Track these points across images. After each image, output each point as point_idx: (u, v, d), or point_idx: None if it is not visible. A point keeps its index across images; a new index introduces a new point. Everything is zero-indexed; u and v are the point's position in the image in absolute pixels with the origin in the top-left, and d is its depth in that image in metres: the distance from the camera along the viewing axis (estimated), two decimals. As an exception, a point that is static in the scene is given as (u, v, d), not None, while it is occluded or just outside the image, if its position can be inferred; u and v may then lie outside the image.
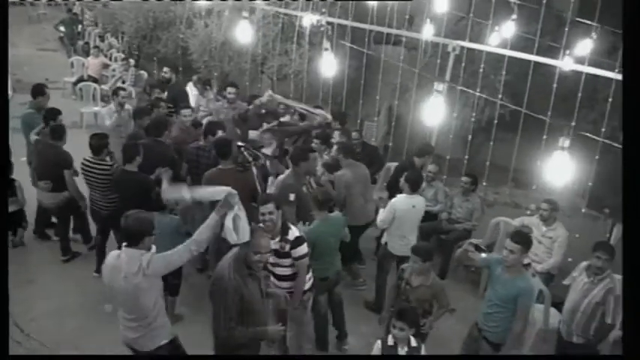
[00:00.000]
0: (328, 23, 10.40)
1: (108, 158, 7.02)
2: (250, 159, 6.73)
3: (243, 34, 9.24)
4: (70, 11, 19.69)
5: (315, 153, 7.32)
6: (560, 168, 5.47)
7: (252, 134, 8.40)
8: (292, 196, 6.33)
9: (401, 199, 6.74)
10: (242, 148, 6.80)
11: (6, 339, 3.72)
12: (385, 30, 9.83)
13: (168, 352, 4.60)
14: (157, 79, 11.44)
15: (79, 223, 7.78)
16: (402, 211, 6.68)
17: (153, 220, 4.48)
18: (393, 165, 8.97)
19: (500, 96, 8.93)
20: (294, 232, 5.18)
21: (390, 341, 4.65)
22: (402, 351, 4.61)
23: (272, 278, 5.43)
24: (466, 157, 8.91)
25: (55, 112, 7.64)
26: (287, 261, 5.26)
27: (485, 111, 10.51)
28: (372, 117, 11.72)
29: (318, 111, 8.96)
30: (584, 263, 5.61)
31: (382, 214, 6.78)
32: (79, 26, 19.57)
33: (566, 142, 5.35)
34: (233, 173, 6.39)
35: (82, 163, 6.89)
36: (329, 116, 8.74)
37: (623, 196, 3.41)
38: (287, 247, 5.18)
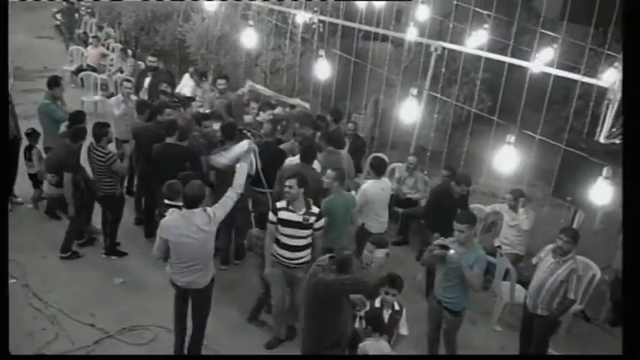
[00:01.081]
0: (320, 21, 11.07)
1: (108, 145, 7.59)
2: (253, 139, 7.45)
3: (249, 39, 10.30)
4: (68, 0, 19.97)
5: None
6: (506, 160, 6.64)
7: (247, 118, 9.08)
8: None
9: (370, 184, 7.48)
10: (244, 130, 7.68)
11: (6, 339, 3.99)
12: (373, 29, 10.51)
13: (212, 285, 5.72)
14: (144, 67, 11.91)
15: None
16: (373, 195, 7.38)
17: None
18: (397, 165, 9.78)
19: (477, 92, 9.64)
20: (315, 208, 6.06)
21: (377, 304, 5.40)
22: (387, 313, 5.36)
23: (281, 251, 6.10)
24: (445, 149, 9.62)
25: (81, 116, 8.23)
26: (307, 232, 6.04)
27: (464, 108, 11.21)
28: (360, 110, 12.39)
29: (295, 101, 9.75)
30: (551, 245, 6.25)
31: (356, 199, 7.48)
32: (76, 15, 19.85)
33: (512, 138, 6.45)
34: None
35: (87, 148, 7.54)
36: (306, 105, 9.65)
37: (623, 196, 3.55)
38: (312, 219, 6.01)
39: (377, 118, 11.84)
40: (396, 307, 5.43)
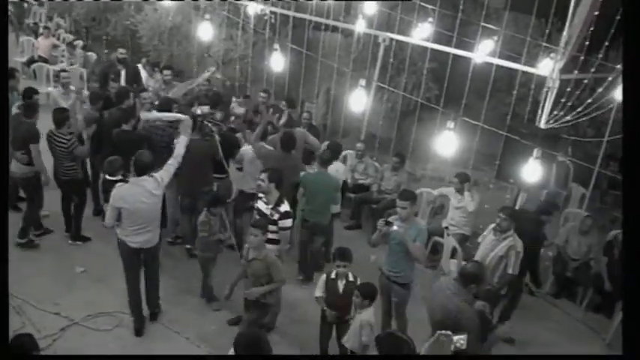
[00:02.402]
0: (272, 12, 11.31)
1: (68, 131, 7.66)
2: (214, 129, 7.78)
3: (205, 33, 10.48)
4: (17, -11, 19.55)
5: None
6: (447, 144, 7.02)
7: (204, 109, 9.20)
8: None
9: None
10: (204, 122, 7.81)
11: (6, 339, 4.05)
12: (323, 21, 10.80)
13: (159, 244, 6.44)
14: (108, 59, 11.90)
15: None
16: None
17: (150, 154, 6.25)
18: (348, 152, 10.04)
19: (423, 81, 10.05)
20: (285, 207, 6.28)
21: (333, 275, 5.84)
22: (341, 284, 5.81)
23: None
24: (393, 136, 10.02)
25: (31, 92, 8.37)
26: (274, 228, 6.28)
27: (412, 95, 11.62)
28: (312, 99, 12.66)
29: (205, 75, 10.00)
30: (492, 225, 6.72)
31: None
32: (25, 5, 19.47)
33: (452, 125, 6.80)
34: (200, 142, 7.50)
35: (47, 134, 7.60)
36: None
37: (624, 196, 3.57)
38: (276, 216, 6.29)
39: (329, 106, 12.14)
40: (350, 278, 5.83)
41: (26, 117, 7.62)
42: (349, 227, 9.43)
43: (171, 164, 6.28)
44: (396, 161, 9.24)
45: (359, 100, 8.16)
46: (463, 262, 7.46)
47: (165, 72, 10.34)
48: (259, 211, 6.42)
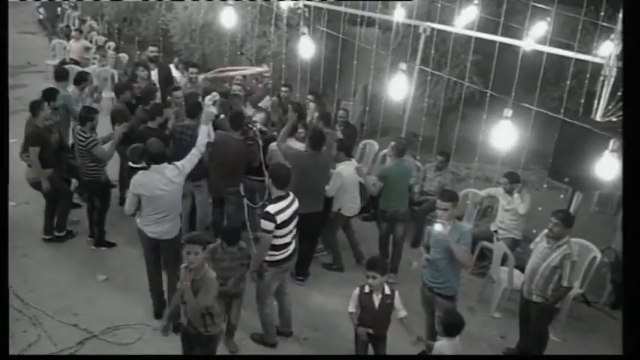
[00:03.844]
0: (305, 6, 10.81)
1: (93, 132, 7.42)
2: (258, 134, 7.41)
3: (227, 19, 9.89)
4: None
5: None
6: (503, 136, 6.40)
7: (259, 116, 8.77)
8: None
9: (344, 168, 7.51)
10: (249, 125, 7.51)
11: (6, 339, 4.05)
12: (359, 12, 10.25)
13: (180, 237, 6.01)
14: (141, 58, 11.53)
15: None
16: (347, 178, 7.46)
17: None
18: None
19: (467, 75, 9.40)
20: (273, 207, 5.54)
21: (367, 289, 5.19)
22: (377, 298, 5.15)
23: None
24: (435, 134, 9.41)
25: (53, 92, 8.25)
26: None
27: (455, 90, 10.99)
28: (349, 97, 12.15)
29: (255, 69, 9.85)
30: (545, 231, 6.01)
31: (331, 184, 7.38)
32: (59, 9, 19.54)
33: (509, 112, 6.24)
34: (240, 143, 7.26)
35: (73, 130, 7.60)
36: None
37: (624, 195, 3.50)
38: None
39: (366, 104, 11.61)
40: (387, 291, 5.21)
41: (32, 116, 7.51)
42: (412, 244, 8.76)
43: (194, 154, 6.23)
44: (440, 160, 8.62)
45: (399, 87, 7.64)
46: (516, 271, 6.86)
47: (191, 70, 9.97)
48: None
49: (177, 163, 6.01)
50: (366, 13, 10.00)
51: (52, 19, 18.31)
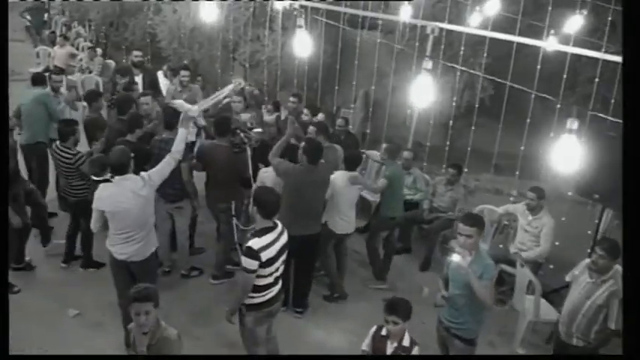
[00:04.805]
0: (301, 6, 10.02)
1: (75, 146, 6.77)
2: (246, 141, 6.66)
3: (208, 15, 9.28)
4: (35, -2, 18.93)
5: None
6: (568, 152, 5.15)
7: (245, 117, 8.02)
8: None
9: (339, 176, 6.57)
10: (237, 130, 6.77)
11: (6, 339, 3.62)
12: (361, 13, 9.49)
13: (155, 259, 5.61)
14: (125, 65, 10.74)
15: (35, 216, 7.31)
16: (340, 188, 6.53)
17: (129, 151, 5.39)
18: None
19: (481, 79, 8.62)
20: (256, 243, 4.49)
21: (384, 332, 4.35)
22: (391, 346, 4.28)
23: None
24: (447, 143, 8.64)
25: None
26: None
27: (464, 96, 10.20)
28: (349, 104, 11.38)
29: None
30: (587, 261, 5.12)
31: None
32: (46, 15, 18.87)
33: (575, 124, 5.05)
34: (228, 150, 6.54)
35: (52, 149, 6.82)
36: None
37: (624, 195, 3.33)
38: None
39: (368, 112, 10.83)
40: (405, 343, 4.28)
41: None
42: (397, 251, 7.92)
43: (167, 162, 5.48)
44: (452, 173, 7.83)
45: (426, 89, 6.81)
46: (542, 301, 6.04)
47: (183, 73, 9.11)
48: None
49: (144, 173, 5.31)
50: (369, 14, 9.22)
51: (38, 26, 17.55)
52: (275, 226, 4.68)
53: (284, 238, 4.75)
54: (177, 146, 5.60)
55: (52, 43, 15.67)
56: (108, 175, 5.53)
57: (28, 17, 17.58)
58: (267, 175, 6.54)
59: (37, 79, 8.43)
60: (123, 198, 5.12)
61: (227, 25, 11.01)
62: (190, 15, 11.39)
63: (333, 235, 6.70)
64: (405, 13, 8.95)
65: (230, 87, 8.07)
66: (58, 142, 6.72)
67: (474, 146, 8.68)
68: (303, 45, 7.95)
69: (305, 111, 8.54)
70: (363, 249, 7.50)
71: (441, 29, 8.09)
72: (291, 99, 8.75)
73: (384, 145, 7.40)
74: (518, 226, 7.13)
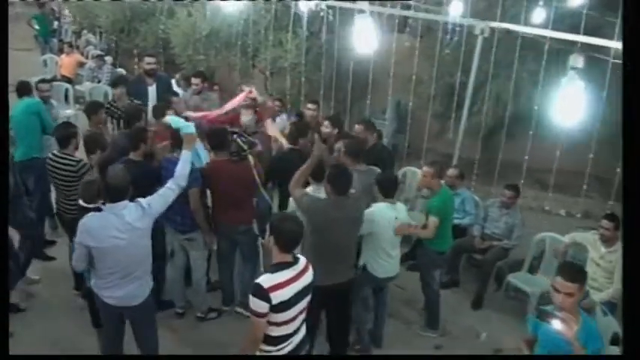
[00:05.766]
0: (329, 7, 9.04)
1: (76, 152, 5.91)
2: (245, 147, 5.76)
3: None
4: (43, 6, 18.09)
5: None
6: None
7: (245, 119, 7.05)
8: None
9: (380, 209, 5.30)
10: (235, 135, 5.88)
11: (6, 339, 3.56)
12: (397, 12, 8.49)
13: (152, 301, 4.70)
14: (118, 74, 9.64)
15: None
16: (383, 223, 5.29)
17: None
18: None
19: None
20: (262, 279, 3.65)
21: None
22: None
23: None
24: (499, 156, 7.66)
25: None
26: None
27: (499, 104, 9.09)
28: (378, 114, 10.33)
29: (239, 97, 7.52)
30: None
31: None
32: (55, 23, 18.11)
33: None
34: (227, 164, 5.65)
35: (47, 158, 5.94)
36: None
37: (624, 196, 3.25)
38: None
39: (401, 123, 9.79)
40: None
41: None
42: (443, 285, 6.84)
43: (170, 188, 4.63)
44: (509, 195, 6.78)
45: (575, 98, 5.22)
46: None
47: (194, 80, 8.24)
48: None
49: (142, 200, 4.39)
50: (407, 13, 8.16)
51: (46, 34, 16.76)
52: (294, 262, 3.75)
53: (306, 279, 3.79)
54: (181, 170, 4.75)
55: (61, 52, 14.94)
56: (99, 203, 4.71)
57: (36, 26, 16.72)
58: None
59: (23, 89, 7.51)
60: (114, 230, 4.21)
61: (246, 29, 10.01)
62: (206, 18, 10.40)
63: (372, 280, 5.50)
64: (455, 8, 7.86)
65: (239, 98, 7.15)
66: (54, 151, 5.88)
67: (510, 158, 7.88)
68: (366, 36, 6.78)
69: (325, 123, 7.33)
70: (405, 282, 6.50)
71: (492, 29, 7.06)
72: (310, 106, 7.69)
73: (425, 168, 6.13)
74: (588, 260, 6.04)
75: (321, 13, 9.33)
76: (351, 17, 9.01)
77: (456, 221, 6.97)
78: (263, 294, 3.52)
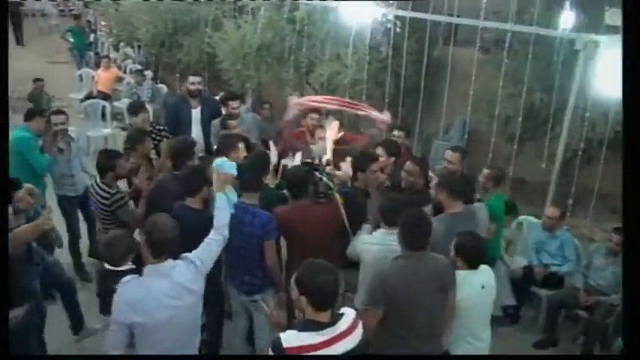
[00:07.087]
0: (396, 17, 8.16)
1: (116, 183, 5.51)
2: (331, 185, 4.98)
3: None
4: (79, 18, 17.54)
5: None
6: None
7: (317, 149, 6.34)
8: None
9: (465, 279, 4.11)
10: (316, 172, 5.17)
11: (6, 339, 3.35)
12: (466, 22, 7.67)
13: None
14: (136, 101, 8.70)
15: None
16: (469, 299, 4.12)
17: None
18: (524, 219, 7.02)
19: None
20: (286, 335, 3.04)
21: None
22: None
23: None
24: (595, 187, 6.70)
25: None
26: None
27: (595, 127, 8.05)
28: (438, 134, 9.42)
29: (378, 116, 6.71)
30: None
31: None
32: (92, 35, 17.58)
33: None
34: (312, 207, 4.75)
35: (90, 185, 5.69)
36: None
37: (623, 196, 3.20)
38: None
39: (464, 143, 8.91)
40: None
41: None
42: (539, 344, 5.92)
43: (213, 239, 3.92)
44: (617, 240, 5.74)
45: None
46: None
47: (232, 104, 7.16)
48: None
49: (190, 255, 3.66)
50: (503, 26, 7.12)
51: (81, 46, 16.18)
52: (331, 324, 3.07)
53: (342, 347, 3.05)
54: (222, 219, 4.07)
55: (97, 66, 14.29)
56: (130, 264, 4.08)
57: (71, 39, 16.13)
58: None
59: (28, 115, 6.63)
60: (166, 299, 3.42)
61: (300, 43, 9.14)
62: (257, 31, 9.54)
63: None
64: (566, 19, 6.80)
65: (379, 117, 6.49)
66: (96, 179, 5.44)
67: (585, 183, 7.00)
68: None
69: (396, 132, 6.53)
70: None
71: (597, 43, 6.06)
72: (396, 133, 6.58)
73: (485, 171, 5.78)
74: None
75: (388, 25, 8.43)
76: (420, 29, 8.27)
77: (553, 268, 6.04)
78: (280, 353, 2.95)
